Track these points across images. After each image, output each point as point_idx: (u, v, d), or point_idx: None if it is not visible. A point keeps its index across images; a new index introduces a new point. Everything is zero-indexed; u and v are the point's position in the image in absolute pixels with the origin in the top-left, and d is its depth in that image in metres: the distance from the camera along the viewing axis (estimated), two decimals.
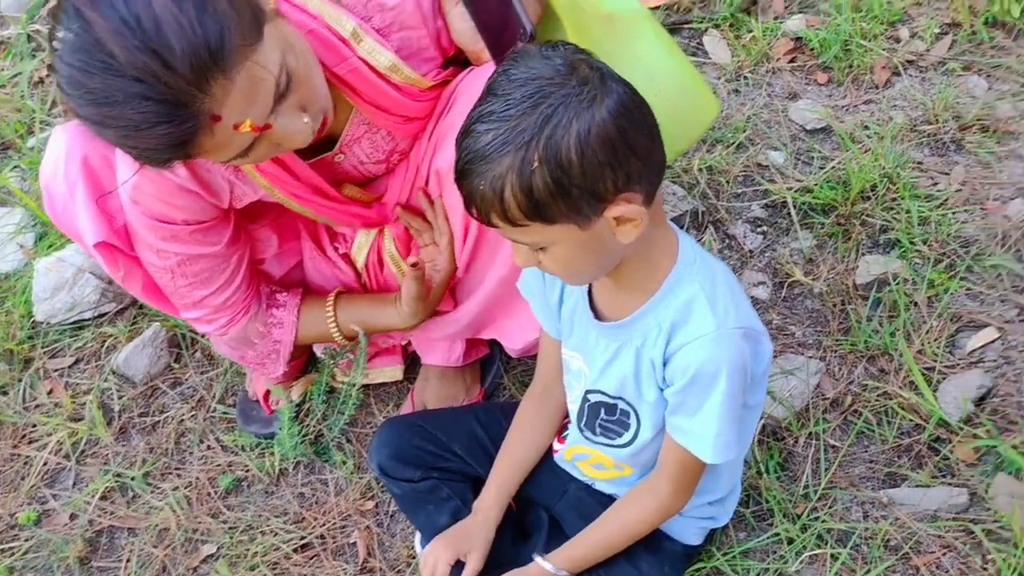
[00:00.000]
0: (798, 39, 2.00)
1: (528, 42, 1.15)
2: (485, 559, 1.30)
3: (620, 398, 1.21)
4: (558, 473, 1.36)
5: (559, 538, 1.31)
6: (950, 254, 1.63)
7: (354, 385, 1.56)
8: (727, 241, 1.75)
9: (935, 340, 1.53)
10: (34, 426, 1.68)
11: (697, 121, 1.32)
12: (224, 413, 1.66)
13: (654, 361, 1.13)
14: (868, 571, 1.32)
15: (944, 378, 1.49)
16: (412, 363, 1.66)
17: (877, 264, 1.62)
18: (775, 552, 1.37)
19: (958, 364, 1.50)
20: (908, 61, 1.91)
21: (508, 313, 1.48)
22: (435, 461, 1.38)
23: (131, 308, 1.81)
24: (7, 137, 2.15)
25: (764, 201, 1.78)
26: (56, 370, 1.74)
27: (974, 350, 1.51)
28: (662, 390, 1.15)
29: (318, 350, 1.62)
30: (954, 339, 1.54)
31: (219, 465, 1.60)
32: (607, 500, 1.31)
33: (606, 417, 1.24)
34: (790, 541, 1.37)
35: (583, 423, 1.27)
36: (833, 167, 1.77)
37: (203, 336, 1.71)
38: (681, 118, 1.25)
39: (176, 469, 1.60)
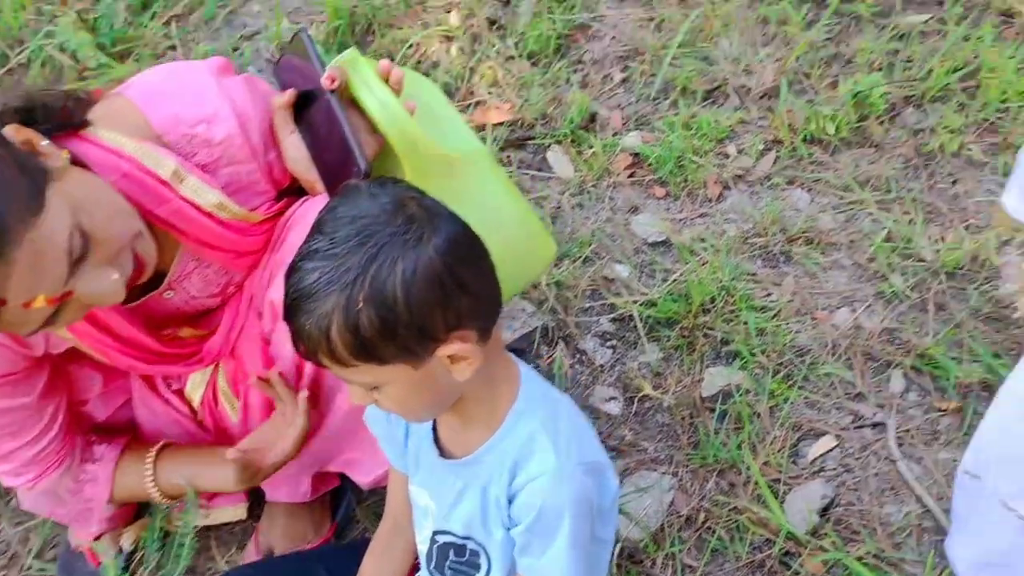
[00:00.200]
0: (636, 155, 2.09)
1: (363, 179, 1.14)
2: None
3: (469, 538, 1.16)
4: None
5: None
6: (787, 364, 1.69)
7: (190, 530, 1.44)
8: (578, 356, 1.76)
9: (779, 451, 1.56)
10: None
11: (535, 263, 1.33)
12: (42, 570, 1.50)
13: (499, 499, 1.10)
14: None
15: (790, 489, 1.52)
16: (257, 498, 1.56)
17: (721, 376, 1.66)
18: None
19: (802, 474, 1.54)
20: (737, 176, 2.02)
21: (356, 445, 1.42)
22: None
23: None
24: None
25: (612, 315, 1.80)
26: None
27: (815, 459, 1.56)
28: (508, 529, 1.12)
29: None
30: (796, 448, 1.59)
31: None
32: None
33: (456, 559, 1.19)
34: None
35: (432, 565, 1.22)
36: (675, 280, 1.83)
37: (7, 491, 1.56)
38: (519, 260, 1.26)
39: None
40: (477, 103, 2.18)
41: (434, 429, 1.18)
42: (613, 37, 2.26)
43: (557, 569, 1.08)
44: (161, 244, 1.18)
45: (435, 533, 1.19)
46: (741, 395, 1.63)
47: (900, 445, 1.58)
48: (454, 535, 1.17)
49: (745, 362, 1.69)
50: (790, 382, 1.66)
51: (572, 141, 2.12)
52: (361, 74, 1.19)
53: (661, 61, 2.17)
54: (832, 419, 1.62)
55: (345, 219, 0.96)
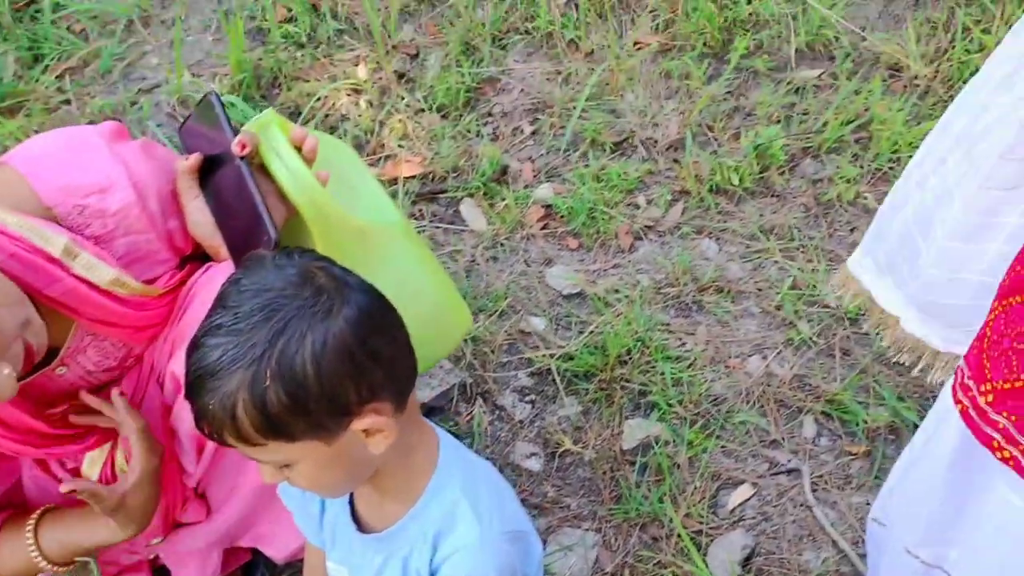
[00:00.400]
0: (548, 207, 2.10)
1: (272, 248, 1.10)
2: None
3: None
4: None
5: None
6: (704, 413, 1.71)
7: None
8: (497, 412, 1.74)
9: (699, 501, 1.57)
10: None
11: (451, 334, 1.32)
12: None
13: (420, 572, 1.08)
14: None
15: (712, 540, 1.53)
16: None
17: (640, 428, 1.67)
18: None
19: (722, 524, 1.55)
20: (647, 227, 2.05)
21: (269, 518, 1.36)
22: None
23: None
24: None
25: (530, 369, 1.79)
26: None
27: (734, 508, 1.57)
28: None
29: None
30: (716, 498, 1.60)
31: None
32: None
33: None
34: None
35: None
36: (591, 332, 1.83)
37: None
38: (435, 331, 1.24)
39: None
40: (387, 157, 2.16)
41: (351, 502, 1.14)
42: (522, 90, 2.29)
43: None
44: (53, 321, 1.11)
45: None
46: (660, 447, 1.64)
47: (815, 491, 1.61)
48: None
49: (663, 413, 1.70)
50: (707, 431, 1.68)
51: (484, 194, 2.12)
52: (273, 141, 1.16)
53: (570, 114, 2.20)
54: (749, 467, 1.64)
55: (249, 292, 0.92)
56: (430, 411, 1.73)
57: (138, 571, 1.46)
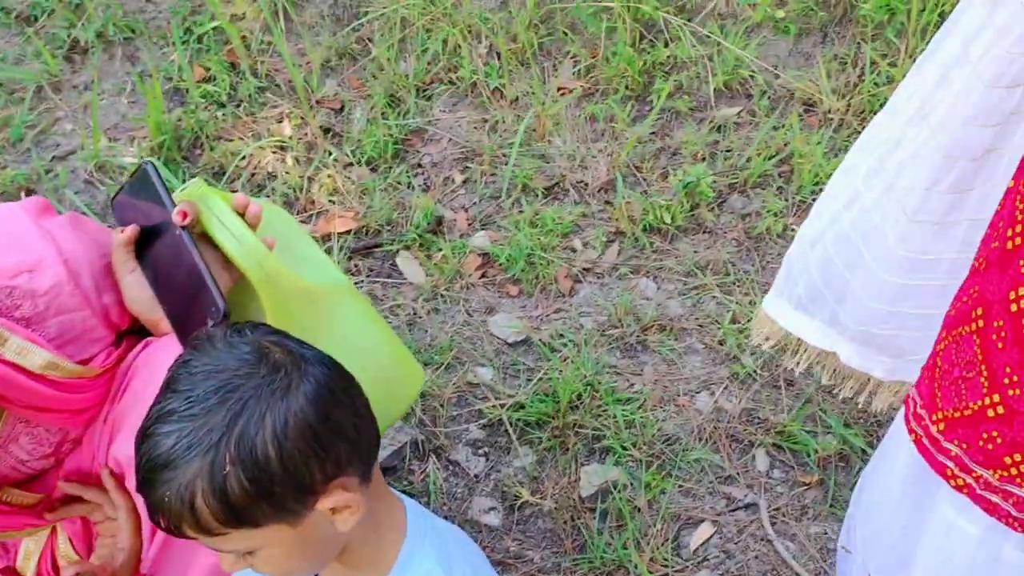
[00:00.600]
0: (486, 255, 2.09)
1: (220, 321, 1.06)
2: None
3: None
4: None
5: None
6: (658, 454, 1.71)
7: None
8: (451, 468, 1.71)
9: (663, 544, 1.57)
10: None
11: (405, 392, 1.31)
12: None
13: None
14: None
15: None
16: None
17: (597, 474, 1.66)
18: None
19: (687, 566, 1.54)
20: (586, 269, 2.06)
21: None
22: None
23: None
24: None
25: (481, 421, 1.77)
26: None
27: (696, 548, 1.57)
28: None
29: None
30: (678, 539, 1.60)
31: None
32: None
33: None
34: None
35: None
36: (540, 379, 1.82)
37: None
38: (389, 391, 1.23)
39: None
40: (319, 213, 2.13)
41: None
42: (450, 140, 2.29)
43: None
44: None
45: None
46: (619, 491, 1.63)
47: (773, 524, 1.62)
48: None
49: (619, 457, 1.69)
50: (663, 472, 1.68)
51: (420, 245, 2.10)
52: (213, 208, 1.12)
53: (499, 161, 2.20)
54: (707, 504, 1.65)
55: (202, 374, 0.89)
56: (383, 472, 1.68)
57: None
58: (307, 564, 0.98)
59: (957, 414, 0.95)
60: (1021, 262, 0.87)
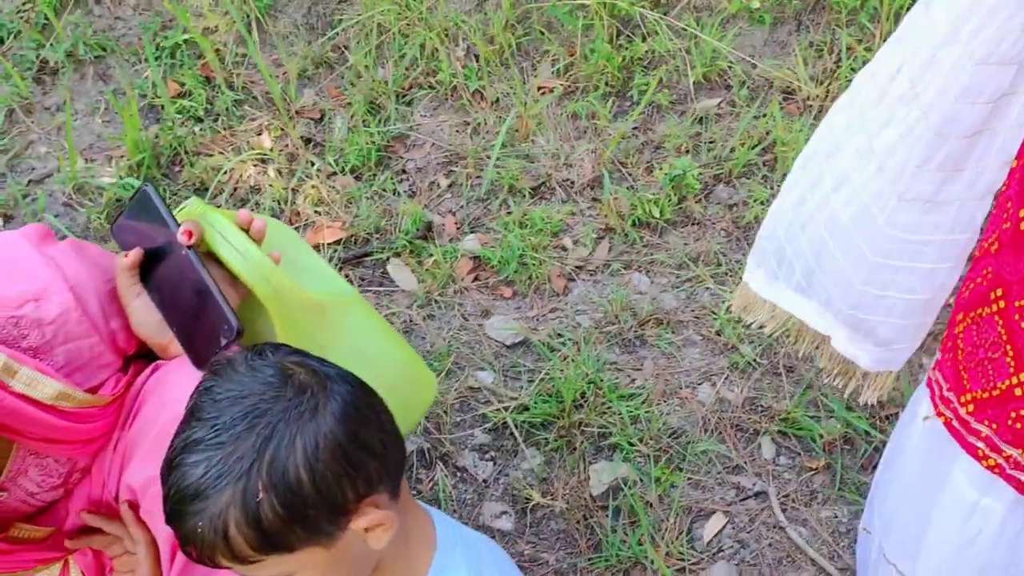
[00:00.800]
0: (477, 258, 2.08)
1: (234, 339, 1.04)
2: None
3: None
4: None
5: None
6: (666, 448, 1.71)
7: None
8: (459, 475, 1.70)
9: (677, 538, 1.57)
10: None
11: (419, 399, 1.29)
12: None
13: None
14: None
15: None
16: None
17: (606, 471, 1.66)
18: None
19: (703, 558, 1.55)
20: (578, 267, 2.06)
21: None
22: None
23: None
24: None
25: (485, 425, 1.76)
26: None
27: (710, 540, 1.57)
28: None
29: None
30: (692, 532, 1.60)
31: None
32: None
33: None
34: None
35: None
36: (541, 379, 1.82)
37: None
38: (404, 399, 1.21)
39: None
40: (306, 224, 2.10)
41: None
42: (433, 144, 2.27)
43: None
44: None
45: None
46: (630, 488, 1.63)
47: (784, 511, 1.63)
48: None
49: (626, 453, 1.69)
50: (672, 466, 1.69)
51: (410, 252, 2.08)
52: (216, 225, 1.10)
53: (483, 164, 2.20)
54: (718, 496, 1.65)
55: (226, 400, 0.87)
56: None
57: None
58: None
59: (985, 395, 0.96)
60: None
